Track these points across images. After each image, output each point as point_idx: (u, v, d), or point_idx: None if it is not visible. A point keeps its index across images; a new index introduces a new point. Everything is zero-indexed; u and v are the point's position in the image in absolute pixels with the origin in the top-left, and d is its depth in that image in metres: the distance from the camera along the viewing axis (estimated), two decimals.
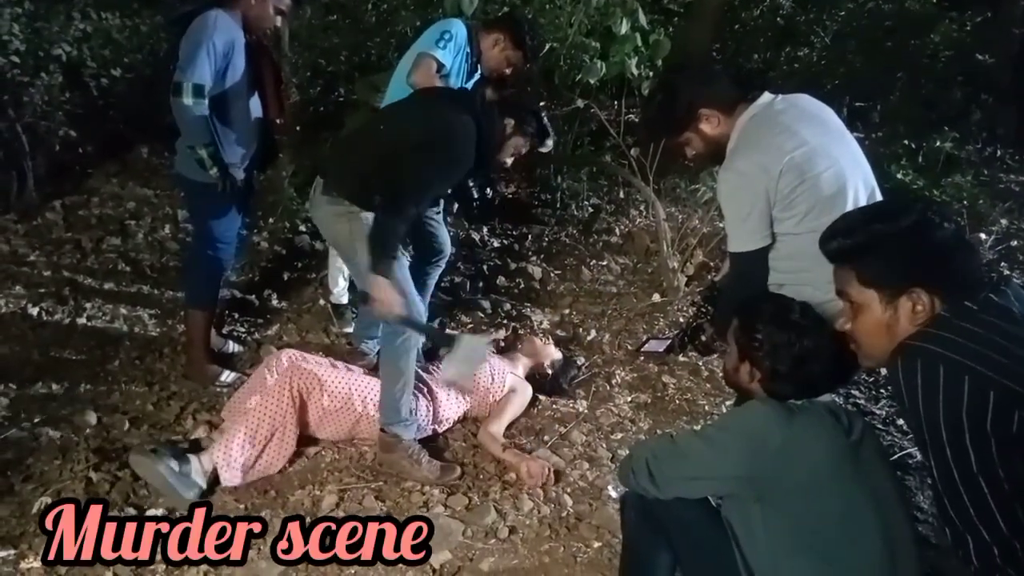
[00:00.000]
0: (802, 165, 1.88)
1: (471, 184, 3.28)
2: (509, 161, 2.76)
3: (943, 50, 7.66)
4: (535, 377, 3.29)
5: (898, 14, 7.72)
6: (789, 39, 8.03)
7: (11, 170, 4.38)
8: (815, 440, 1.58)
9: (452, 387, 2.97)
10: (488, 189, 5.17)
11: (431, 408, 2.92)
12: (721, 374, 2.94)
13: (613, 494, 2.65)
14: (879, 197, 1.99)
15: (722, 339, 1.96)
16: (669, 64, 4.04)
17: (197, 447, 2.67)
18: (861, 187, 1.96)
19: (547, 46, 4.00)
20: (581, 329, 3.87)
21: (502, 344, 3.57)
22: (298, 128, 4.78)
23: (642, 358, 3.58)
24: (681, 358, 3.56)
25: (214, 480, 2.52)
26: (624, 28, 3.87)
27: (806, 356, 1.68)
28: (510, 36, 3.17)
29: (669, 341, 2.52)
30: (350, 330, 3.55)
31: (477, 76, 3.34)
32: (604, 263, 4.69)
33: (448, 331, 3.49)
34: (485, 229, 4.92)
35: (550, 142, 2.79)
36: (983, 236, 5.42)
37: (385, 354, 2.75)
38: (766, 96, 2.01)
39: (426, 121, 2.51)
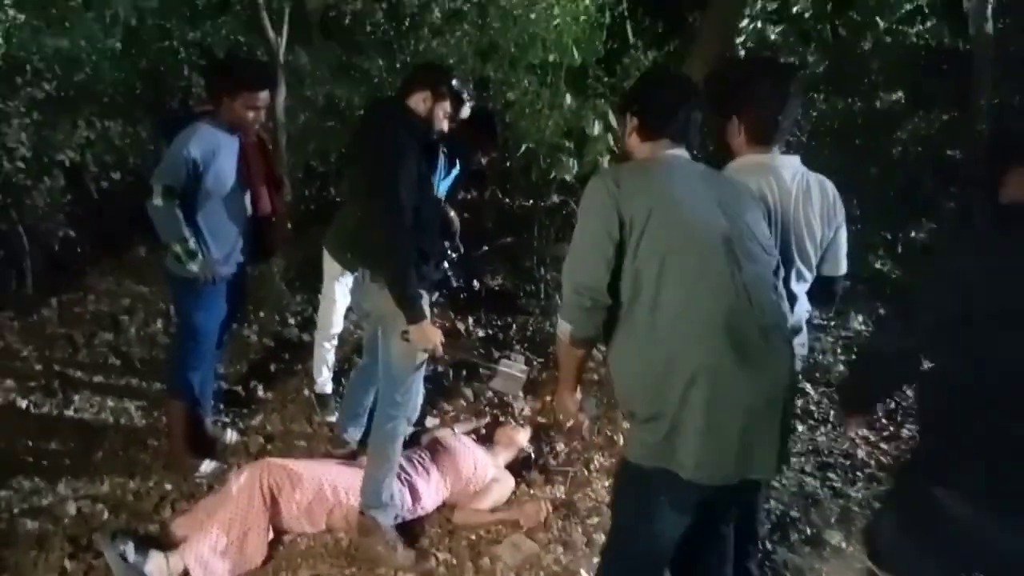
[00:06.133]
0: None
1: (454, 260, 3.32)
2: (445, 125, 2.79)
3: (913, 146, 7.99)
4: (515, 462, 3.34)
5: (867, 112, 8.09)
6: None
7: (10, 268, 4.55)
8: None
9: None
10: (474, 280, 5.33)
11: (411, 496, 2.94)
12: None
13: None
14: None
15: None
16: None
17: (173, 543, 2.66)
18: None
19: (524, 146, 4.23)
20: (562, 415, 3.92)
21: (483, 432, 3.63)
22: (289, 225, 4.97)
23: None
24: None
25: None
26: (596, 129, 4.11)
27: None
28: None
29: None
30: (333, 419, 3.60)
31: (456, 170, 3.47)
32: None
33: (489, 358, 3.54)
34: (471, 319, 5.03)
35: (468, 106, 2.91)
36: None
37: (374, 438, 2.81)
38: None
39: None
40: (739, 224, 1.81)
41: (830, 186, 2.22)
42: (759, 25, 6.38)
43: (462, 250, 3.29)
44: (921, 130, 8.35)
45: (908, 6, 6.37)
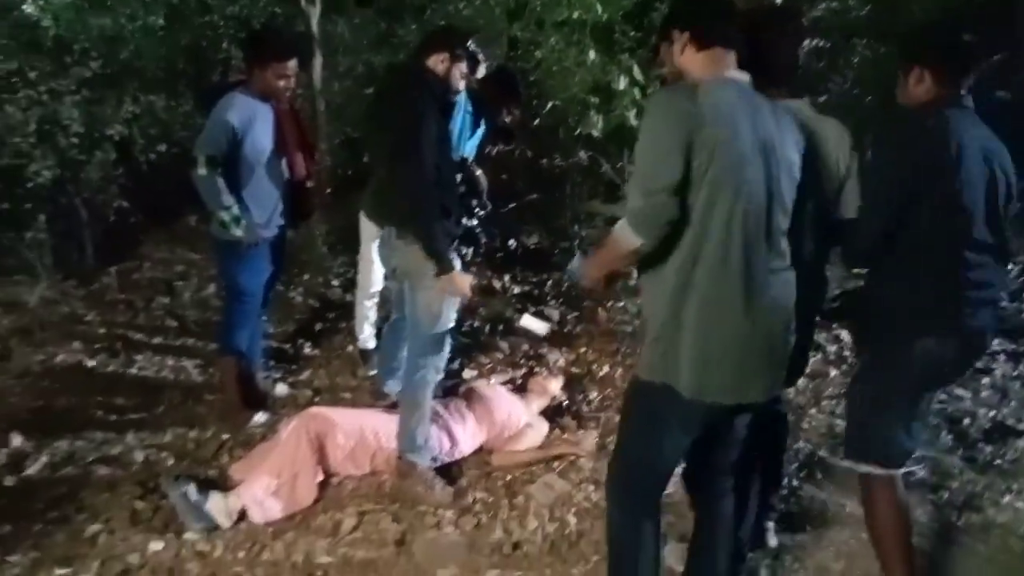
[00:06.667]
0: None
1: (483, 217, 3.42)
2: (462, 84, 2.97)
3: None
4: (549, 409, 3.49)
5: None
6: (805, 88, 8.23)
7: (72, 241, 4.84)
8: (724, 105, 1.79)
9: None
10: (510, 239, 5.46)
11: (448, 440, 3.12)
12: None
13: None
14: None
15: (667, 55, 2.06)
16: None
17: (231, 486, 2.88)
18: None
19: (551, 104, 4.29)
20: (595, 365, 4.05)
21: (518, 383, 3.78)
22: (329, 191, 5.15)
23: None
24: None
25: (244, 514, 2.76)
26: (622, 84, 4.14)
27: None
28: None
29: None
30: (375, 372, 3.78)
31: (482, 129, 3.59)
32: (620, 304, 4.87)
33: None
34: (507, 277, 5.17)
35: (483, 65, 3.09)
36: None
37: (405, 387, 2.98)
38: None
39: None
40: (780, 172, 1.84)
41: (834, 129, 2.25)
42: None
43: (490, 207, 3.40)
44: None
45: None
